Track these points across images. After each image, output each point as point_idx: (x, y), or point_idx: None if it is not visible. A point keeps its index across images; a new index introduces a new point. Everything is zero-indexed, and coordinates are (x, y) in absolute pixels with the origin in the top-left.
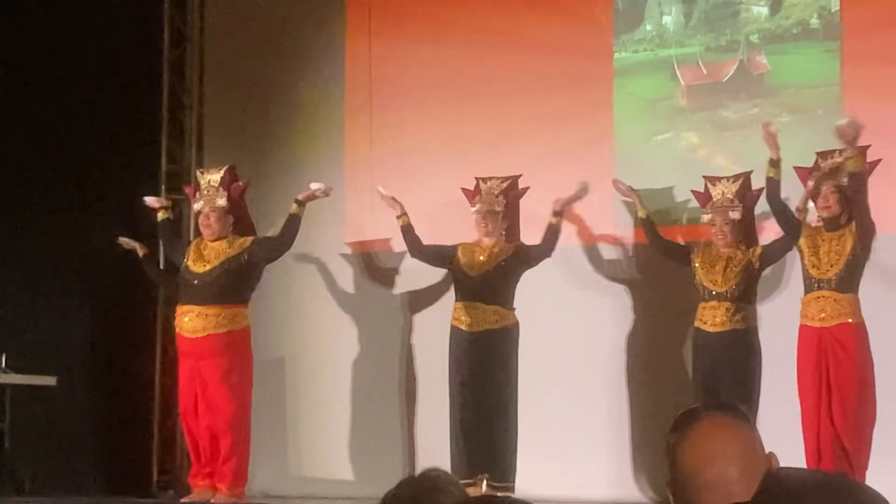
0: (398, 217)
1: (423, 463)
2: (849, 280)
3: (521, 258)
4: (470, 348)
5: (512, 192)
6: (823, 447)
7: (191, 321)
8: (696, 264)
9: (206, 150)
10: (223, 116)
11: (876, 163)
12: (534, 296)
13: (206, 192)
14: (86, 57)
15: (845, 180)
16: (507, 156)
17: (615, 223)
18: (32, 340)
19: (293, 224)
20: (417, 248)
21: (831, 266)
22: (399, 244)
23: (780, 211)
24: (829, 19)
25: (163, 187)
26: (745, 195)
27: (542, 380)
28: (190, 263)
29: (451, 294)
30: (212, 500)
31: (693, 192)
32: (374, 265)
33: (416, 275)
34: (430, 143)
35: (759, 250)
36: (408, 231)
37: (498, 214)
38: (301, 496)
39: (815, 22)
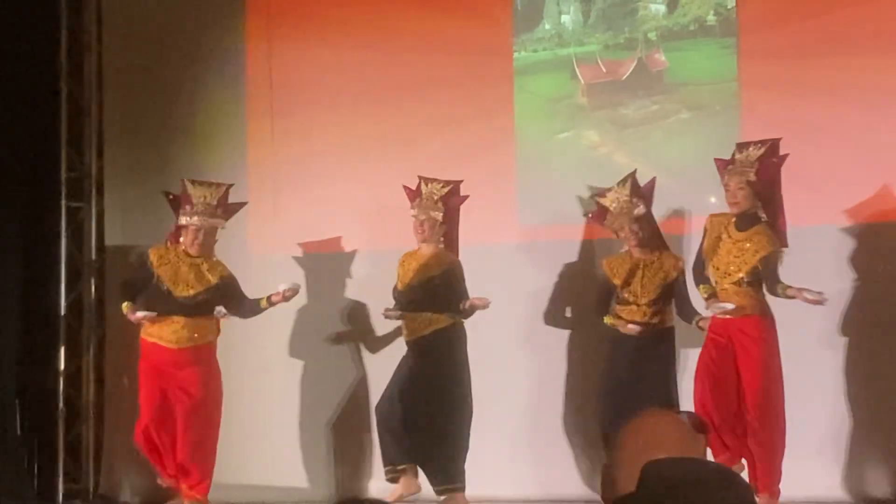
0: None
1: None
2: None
3: (451, 278)
4: (409, 355)
5: (452, 199)
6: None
7: (161, 332)
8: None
9: (107, 156)
10: (123, 122)
11: (785, 157)
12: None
13: (199, 207)
14: None
15: (753, 176)
16: (410, 156)
17: (518, 221)
18: None
19: (254, 310)
20: None
21: (736, 271)
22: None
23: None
24: (726, 16)
25: (63, 194)
26: (641, 192)
27: None
28: (169, 283)
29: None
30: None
31: (587, 214)
32: (320, 267)
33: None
34: (334, 145)
35: (679, 264)
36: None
37: (436, 221)
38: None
39: (711, 19)
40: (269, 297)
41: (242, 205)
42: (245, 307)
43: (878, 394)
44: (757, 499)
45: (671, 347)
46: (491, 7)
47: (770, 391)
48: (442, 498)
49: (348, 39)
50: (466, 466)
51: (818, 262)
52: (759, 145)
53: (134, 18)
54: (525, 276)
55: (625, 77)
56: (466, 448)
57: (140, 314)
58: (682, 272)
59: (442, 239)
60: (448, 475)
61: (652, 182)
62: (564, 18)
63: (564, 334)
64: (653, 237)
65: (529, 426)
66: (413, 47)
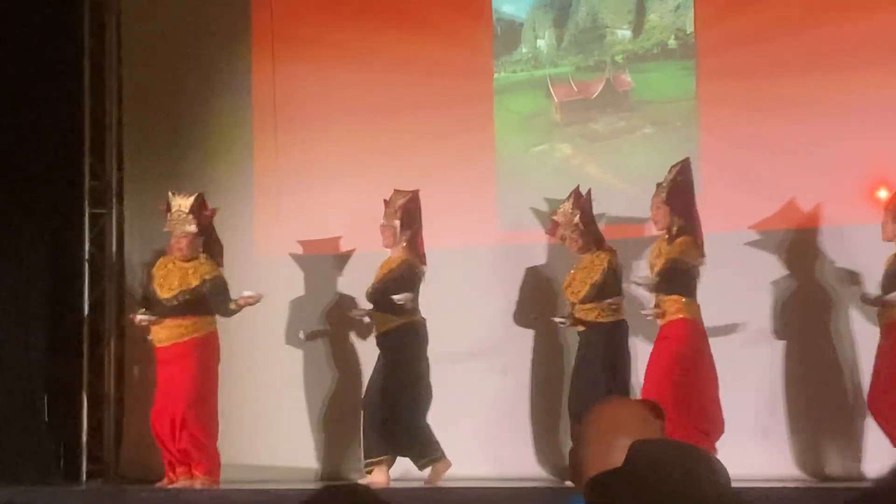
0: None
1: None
2: (666, 284)
3: (400, 279)
4: (379, 348)
5: (411, 206)
6: None
7: (158, 333)
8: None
9: (126, 167)
10: (140, 137)
11: (687, 176)
12: (433, 294)
13: (175, 215)
14: (12, 85)
15: (664, 195)
16: (401, 166)
17: (498, 226)
18: None
19: (231, 312)
20: None
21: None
22: (311, 247)
23: None
24: (685, 40)
25: (87, 202)
26: (580, 204)
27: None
28: (156, 286)
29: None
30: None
31: (546, 231)
32: (315, 267)
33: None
34: (331, 157)
35: (608, 256)
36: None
37: (393, 228)
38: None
39: (672, 43)
40: (237, 301)
41: (213, 211)
42: (223, 307)
43: (813, 385)
44: None
45: (617, 341)
46: (473, 32)
47: (662, 384)
48: (427, 471)
49: (345, 62)
50: (447, 447)
51: (771, 265)
52: (676, 167)
53: (150, 42)
54: (504, 276)
55: (594, 96)
56: (428, 427)
57: (138, 317)
58: (610, 271)
59: (405, 244)
60: (424, 449)
61: (588, 194)
62: (540, 43)
63: (536, 330)
64: (590, 242)
65: (501, 413)
66: (403, 68)
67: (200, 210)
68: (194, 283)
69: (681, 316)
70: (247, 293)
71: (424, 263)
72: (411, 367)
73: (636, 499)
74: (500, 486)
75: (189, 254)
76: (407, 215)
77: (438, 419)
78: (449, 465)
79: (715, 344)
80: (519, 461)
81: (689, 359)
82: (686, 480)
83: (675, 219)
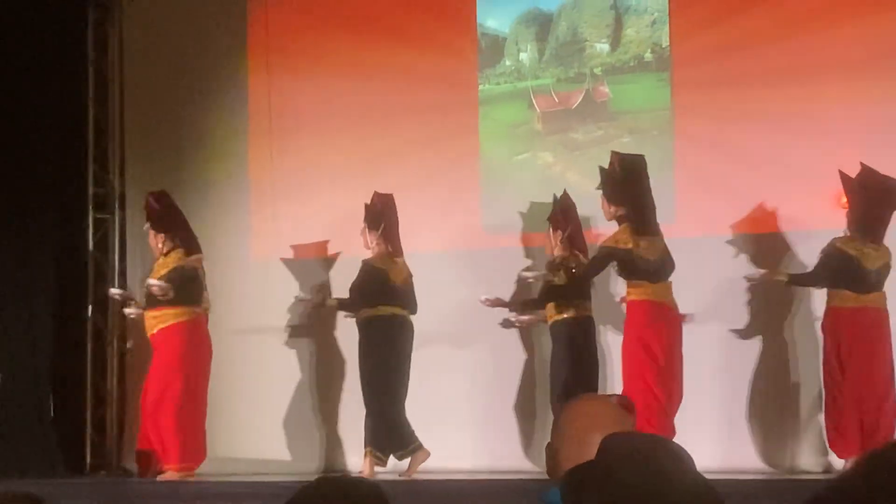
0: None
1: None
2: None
3: (359, 278)
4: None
5: (375, 208)
6: None
7: (148, 322)
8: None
9: (128, 173)
10: (141, 145)
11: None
12: (420, 293)
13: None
14: (20, 96)
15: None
16: (391, 171)
17: (483, 229)
18: None
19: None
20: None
21: None
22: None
23: None
24: (661, 53)
25: (90, 207)
26: (550, 216)
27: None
28: (149, 280)
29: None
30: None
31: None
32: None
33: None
34: (324, 164)
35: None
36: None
37: (365, 230)
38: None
39: (648, 56)
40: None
41: (162, 201)
42: (181, 296)
43: (780, 380)
44: None
45: (581, 336)
46: (460, 46)
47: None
48: (407, 461)
49: (337, 73)
50: (430, 442)
51: (740, 266)
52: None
53: (151, 53)
54: (488, 277)
55: (574, 106)
56: (406, 419)
57: (126, 310)
58: (564, 271)
59: (376, 245)
60: (402, 441)
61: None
62: (522, 56)
63: (521, 328)
64: (572, 245)
65: (486, 408)
66: (394, 79)
67: (149, 206)
68: (163, 272)
69: (632, 298)
70: (152, 281)
71: (397, 256)
72: (388, 358)
73: (608, 490)
74: (482, 478)
75: (157, 250)
76: (372, 218)
77: (424, 414)
78: (427, 454)
79: (688, 340)
80: (498, 454)
81: (642, 337)
82: (654, 469)
83: (613, 209)
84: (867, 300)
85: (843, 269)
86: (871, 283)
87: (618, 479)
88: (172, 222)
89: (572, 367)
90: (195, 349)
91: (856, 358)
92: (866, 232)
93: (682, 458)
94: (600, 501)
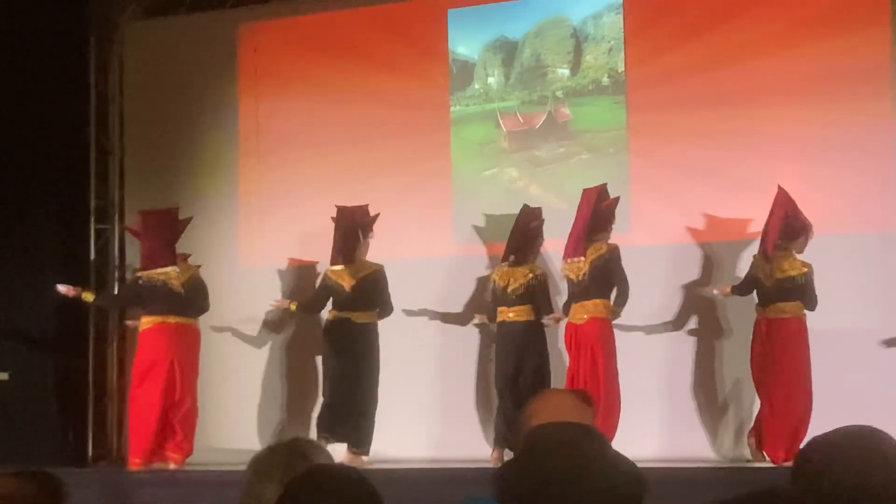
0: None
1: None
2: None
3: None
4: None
5: (338, 222)
6: None
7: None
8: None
9: (127, 188)
10: (139, 162)
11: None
12: (396, 299)
13: None
14: (26, 117)
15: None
16: (368, 189)
17: (454, 240)
18: None
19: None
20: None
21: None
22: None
23: None
24: (617, 78)
25: (92, 218)
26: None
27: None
28: None
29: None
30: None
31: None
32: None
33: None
34: (308, 180)
35: (537, 270)
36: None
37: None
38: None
39: (606, 80)
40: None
41: (145, 219)
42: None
43: (727, 377)
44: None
45: (526, 339)
46: (433, 72)
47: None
48: (349, 455)
49: (320, 96)
50: (389, 433)
51: (690, 272)
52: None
53: (148, 79)
54: (458, 283)
55: (538, 126)
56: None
57: (127, 322)
58: (535, 279)
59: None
60: (361, 438)
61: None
62: (490, 80)
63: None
64: (523, 256)
65: (451, 401)
66: (372, 102)
67: (135, 231)
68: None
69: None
70: (62, 287)
71: (350, 262)
72: (358, 362)
73: (535, 480)
74: (443, 467)
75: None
76: (338, 234)
77: (397, 411)
78: (365, 462)
79: (640, 340)
80: (462, 445)
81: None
82: (576, 455)
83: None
84: (783, 310)
85: (750, 284)
86: (771, 296)
87: (542, 468)
88: (158, 240)
89: (520, 365)
90: (184, 344)
91: (773, 364)
92: (777, 248)
93: (601, 440)
94: (530, 489)
